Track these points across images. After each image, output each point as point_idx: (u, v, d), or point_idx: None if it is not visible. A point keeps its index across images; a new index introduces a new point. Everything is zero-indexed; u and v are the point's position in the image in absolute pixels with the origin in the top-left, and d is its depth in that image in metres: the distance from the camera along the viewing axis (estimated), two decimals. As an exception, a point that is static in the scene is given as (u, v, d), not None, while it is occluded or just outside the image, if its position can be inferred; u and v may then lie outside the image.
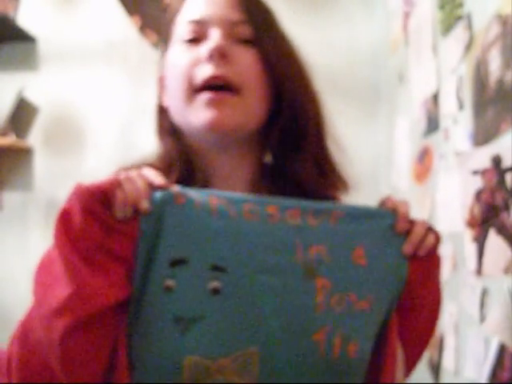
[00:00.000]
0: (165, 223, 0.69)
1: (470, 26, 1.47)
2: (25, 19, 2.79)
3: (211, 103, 0.79)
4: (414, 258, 0.78)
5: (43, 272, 0.71)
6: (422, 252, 0.78)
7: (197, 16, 0.83)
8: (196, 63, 0.81)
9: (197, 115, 0.80)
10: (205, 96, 0.79)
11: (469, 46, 1.47)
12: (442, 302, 0.85)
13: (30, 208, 2.76)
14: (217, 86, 0.79)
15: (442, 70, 1.73)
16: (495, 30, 1.31)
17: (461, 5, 1.54)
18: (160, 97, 0.91)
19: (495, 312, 1.26)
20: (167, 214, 0.70)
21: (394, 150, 2.41)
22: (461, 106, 1.55)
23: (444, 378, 1.65)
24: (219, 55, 0.79)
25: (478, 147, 1.41)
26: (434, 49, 1.80)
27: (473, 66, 1.45)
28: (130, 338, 0.69)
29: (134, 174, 0.71)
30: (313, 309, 0.71)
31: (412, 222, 0.79)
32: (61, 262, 0.67)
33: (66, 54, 2.82)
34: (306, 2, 2.79)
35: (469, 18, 1.48)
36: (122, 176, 0.70)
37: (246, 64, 0.81)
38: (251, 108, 0.81)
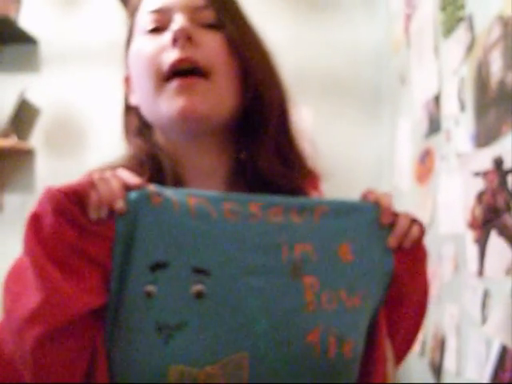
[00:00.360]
0: (141, 224, 0.66)
1: (471, 28, 1.47)
2: (27, 21, 2.79)
3: (181, 90, 0.76)
4: (399, 250, 0.76)
5: (13, 280, 0.67)
6: (407, 244, 0.77)
7: (158, 5, 0.81)
8: (161, 51, 0.78)
9: (168, 105, 0.77)
10: (174, 83, 0.76)
11: (470, 48, 1.47)
12: (429, 295, 0.84)
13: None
14: (185, 71, 0.77)
15: (443, 71, 1.73)
16: (497, 31, 1.31)
17: (462, 6, 1.54)
18: (126, 97, 0.88)
19: (497, 313, 1.26)
20: (143, 215, 0.66)
21: (396, 151, 2.41)
22: (462, 108, 1.55)
23: (446, 379, 1.65)
24: (184, 38, 0.76)
25: (479, 149, 1.41)
26: (436, 50, 1.80)
27: (474, 68, 1.45)
28: (110, 348, 0.65)
29: (107, 174, 0.68)
30: (303, 309, 0.69)
31: (395, 215, 0.77)
32: (31, 269, 0.62)
33: (68, 56, 2.82)
34: (308, 4, 2.79)
35: (470, 19, 1.48)
36: (96, 176, 0.66)
37: (213, 47, 0.78)
38: (222, 92, 0.78)
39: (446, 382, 1.64)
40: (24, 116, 2.70)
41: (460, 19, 1.56)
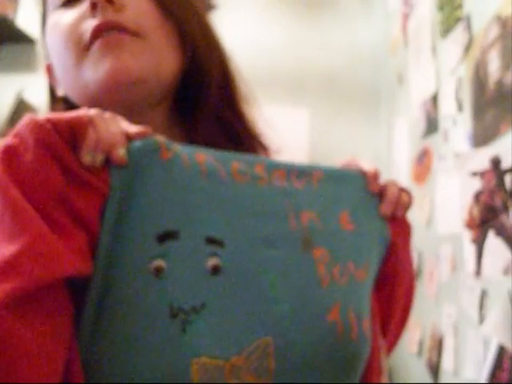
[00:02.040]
0: (145, 182, 0.53)
1: (469, 28, 1.47)
2: (24, 21, 2.79)
3: (107, 49, 0.62)
4: (392, 219, 0.72)
5: None
6: (399, 212, 0.72)
7: None
8: (80, 20, 0.65)
9: (93, 71, 0.63)
10: (97, 44, 0.63)
11: (468, 48, 1.47)
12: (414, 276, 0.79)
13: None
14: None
15: (441, 71, 1.73)
16: (494, 31, 1.31)
17: (460, 6, 1.54)
18: (52, 89, 0.78)
19: (494, 313, 1.26)
20: (149, 170, 0.53)
21: (394, 150, 2.41)
22: (460, 108, 1.55)
23: (443, 378, 1.65)
24: (104, 1, 0.63)
25: (477, 148, 1.41)
26: (434, 50, 1.80)
27: (472, 68, 1.45)
28: (91, 345, 0.49)
29: (107, 115, 0.54)
30: (319, 284, 0.59)
31: (383, 184, 0.73)
32: (7, 211, 0.46)
33: (66, 56, 2.82)
34: (306, 4, 2.79)
35: (468, 19, 1.48)
36: (98, 114, 0.52)
37: (140, 7, 0.66)
38: (157, 51, 0.66)
39: (444, 381, 1.64)
40: (21, 116, 2.68)
41: (458, 19, 1.56)
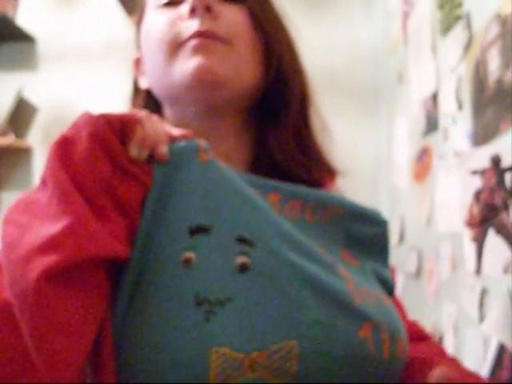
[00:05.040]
0: (183, 179, 0.58)
1: (469, 26, 1.47)
2: (24, 19, 2.79)
3: (199, 49, 0.68)
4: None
5: (20, 212, 0.55)
6: None
7: None
8: (177, 20, 0.71)
9: (182, 67, 0.69)
10: (191, 42, 0.69)
11: (468, 46, 1.47)
12: None
13: (30, 208, 2.76)
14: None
15: (441, 69, 1.73)
16: (494, 30, 1.31)
17: (460, 5, 1.54)
18: (135, 80, 0.83)
19: (494, 312, 1.26)
20: (188, 169, 0.58)
21: (394, 149, 2.41)
22: (460, 106, 1.55)
23: (443, 377, 1.64)
24: (203, 8, 0.70)
25: (477, 147, 1.41)
26: (434, 49, 1.80)
27: (472, 66, 1.45)
28: (121, 325, 0.54)
29: (154, 117, 0.60)
30: (352, 299, 0.59)
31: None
32: (54, 194, 0.52)
33: (66, 54, 2.82)
34: (306, 2, 2.79)
35: (468, 17, 1.48)
36: (143, 114, 0.59)
37: (233, 19, 0.72)
38: (242, 59, 0.71)
39: (444, 380, 1.64)
40: (21, 114, 2.69)
41: (458, 17, 1.56)
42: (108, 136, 0.54)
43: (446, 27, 1.66)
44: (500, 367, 1.23)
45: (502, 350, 1.23)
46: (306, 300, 0.56)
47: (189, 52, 0.69)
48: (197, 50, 0.68)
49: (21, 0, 2.79)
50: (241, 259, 0.56)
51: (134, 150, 0.56)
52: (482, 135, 1.37)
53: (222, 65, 0.69)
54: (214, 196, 0.58)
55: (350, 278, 0.62)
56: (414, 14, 2.06)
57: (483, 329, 1.32)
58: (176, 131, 0.61)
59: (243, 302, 0.54)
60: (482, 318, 1.34)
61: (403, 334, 0.63)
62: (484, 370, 1.29)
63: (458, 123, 1.57)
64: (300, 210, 0.66)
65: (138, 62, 0.82)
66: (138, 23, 0.80)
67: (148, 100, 0.78)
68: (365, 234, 0.72)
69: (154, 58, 0.73)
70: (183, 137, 0.60)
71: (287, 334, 0.54)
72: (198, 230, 0.56)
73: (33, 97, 2.72)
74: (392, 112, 2.45)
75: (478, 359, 1.36)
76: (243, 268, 0.56)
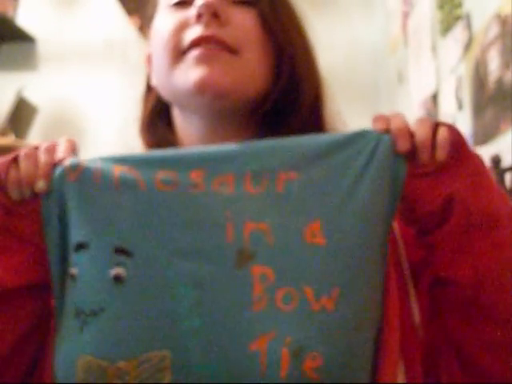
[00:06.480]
0: (64, 203, 0.61)
1: (469, 26, 1.47)
2: (24, 19, 2.79)
3: (202, 59, 0.66)
4: (444, 167, 0.60)
5: None
6: (441, 154, 0.60)
7: None
8: (183, 26, 0.69)
9: (184, 76, 0.67)
10: (194, 52, 0.66)
11: (468, 46, 1.48)
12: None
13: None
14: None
15: (441, 70, 1.73)
16: (494, 30, 1.31)
17: (460, 5, 1.54)
18: (148, 77, 0.81)
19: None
20: (67, 192, 0.61)
21: (394, 149, 2.41)
22: (460, 106, 1.55)
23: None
24: (210, 14, 0.67)
25: (477, 147, 1.41)
26: (434, 49, 1.80)
27: (472, 66, 1.45)
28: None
29: (43, 146, 0.63)
30: (247, 307, 0.55)
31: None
32: None
33: (66, 54, 2.82)
34: (306, 3, 2.79)
35: (468, 18, 1.48)
36: (23, 152, 0.62)
37: (244, 26, 0.69)
38: (250, 69, 0.68)
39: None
40: (22, 114, 2.69)
41: (458, 18, 1.56)
42: None
43: (446, 27, 1.66)
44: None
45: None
46: (185, 310, 0.55)
47: (192, 61, 0.67)
48: (200, 60, 0.66)
49: (21, 0, 2.79)
50: (115, 271, 0.57)
51: (14, 194, 0.61)
52: (482, 135, 1.38)
53: (226, 74, 0.66)
54: (88, 211, 0.60)
55: (269, 279, 0.56)
56: (414, 14, 2.06)
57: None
58: (59, 154, 0.62)
59: (116, 312, 0.56)
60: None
61: (323, 351, 0.53)
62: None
63: (457, 123, 1.57)
64: (235, 183, 0.60)
65: (149, 59, 0.79)
66: (151, 20, 0.78)
67: (160, 97, 0.77)
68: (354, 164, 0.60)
69: (158, 61, 0.72)
70: (60, 161, 0.62)
71: (159, 343, 0.54)
72: (79, 247, 0.59)
73: (33, 97, 2.72)
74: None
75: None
76: (117, 279, 0.57)
